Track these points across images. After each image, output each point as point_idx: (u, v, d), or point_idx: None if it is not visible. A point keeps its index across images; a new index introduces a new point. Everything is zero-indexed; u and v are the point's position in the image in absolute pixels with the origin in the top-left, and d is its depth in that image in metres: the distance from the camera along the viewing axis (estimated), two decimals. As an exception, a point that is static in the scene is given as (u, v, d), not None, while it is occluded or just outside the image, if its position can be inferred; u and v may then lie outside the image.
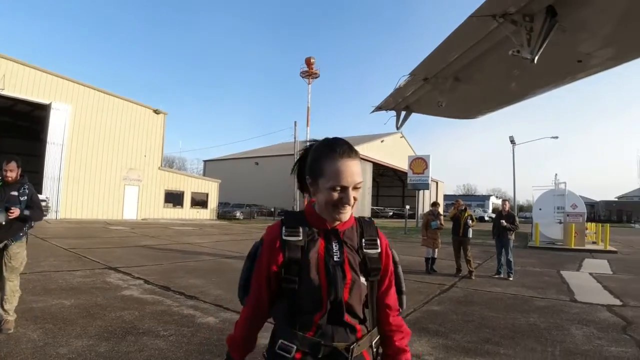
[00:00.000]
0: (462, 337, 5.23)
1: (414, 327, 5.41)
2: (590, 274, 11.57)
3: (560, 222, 21.66)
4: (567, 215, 21.27)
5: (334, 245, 1.50)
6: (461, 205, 11.18)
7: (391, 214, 61.64)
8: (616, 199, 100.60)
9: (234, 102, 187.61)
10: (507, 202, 11.22)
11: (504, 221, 10.47)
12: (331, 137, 1.56)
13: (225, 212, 40.17)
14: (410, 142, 68.20)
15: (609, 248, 19.66)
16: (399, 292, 1.69)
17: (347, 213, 1.49)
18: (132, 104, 32.52)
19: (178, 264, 10.19)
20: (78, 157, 28.27)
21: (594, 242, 22.50)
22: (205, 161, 66.89)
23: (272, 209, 45.04)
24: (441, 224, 11.10)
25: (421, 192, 46.93)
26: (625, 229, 58.89)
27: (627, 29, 4.02)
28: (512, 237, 10.55)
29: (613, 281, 10.26)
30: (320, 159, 1.47)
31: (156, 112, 33.88)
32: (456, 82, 5.64)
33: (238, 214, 39.92)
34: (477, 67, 5.22)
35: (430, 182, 44.38)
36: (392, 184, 78.28)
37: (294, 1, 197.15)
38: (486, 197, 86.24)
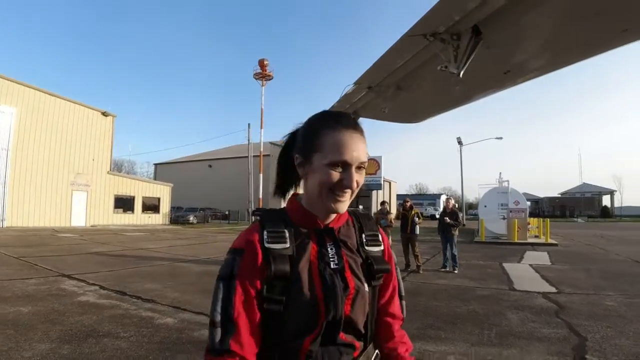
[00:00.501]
0: (408, 325, 5.72)
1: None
2: (530, 265, 12.52)
3: (504, 218, 23.06)
4: (510, 212, 22.67)
5: (329, 249, 1.22)
6: (407, 204, 11.86)
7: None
8: (559, 195, 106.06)
9: (185, 105, 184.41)
10: (450, 200, 12.03)
11: (447, 218, 11.25)
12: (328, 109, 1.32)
13: (178, 216, 39.68)
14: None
15: (550, 241, 21.27)
16: (400, 297, 1.42)
17: (346, 202, 1.19)
18: (80, 106, 31.72)
19: (132, 270, 10.29)
20: (24, 162, 27.34)
21: (536, 236, 24.11)
22: (156, 164, 65.51)
23: (227, 212, 44.80)
24: (390, 222, 11.72)
25: (374, 192, 47.92)
26: (568, 223, 62.31)
27: (547, 45, 4.65)
28: (456, 232, 11.36)
29: (551, 271, 11.23)
30: (318, 130, 1.19)
31: (104, 114, 33.24)
32: (398, 90, 6.18)
33: (191, 218, 39.52)
34: (415, 78, 5.79)
35: (382, 182, 45.38)
36: (347, 184, 79.62)
37: (248, 1, 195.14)
38: (437, 196, 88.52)
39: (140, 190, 36.38)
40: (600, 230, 37.39)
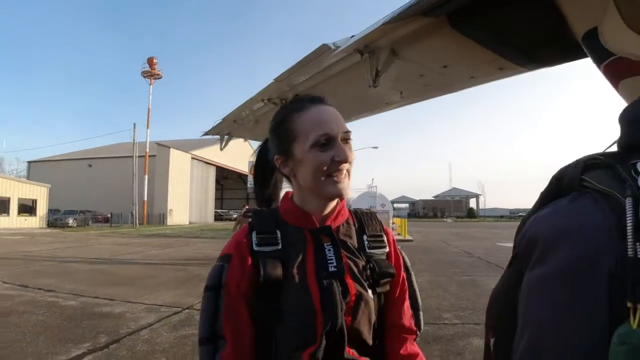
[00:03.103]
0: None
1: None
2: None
3: (371, 219, 26.68)
4: (376, 213, 26.27)
5: (327, 250, 1.09)
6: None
7: (235, 216, 61.76)
8: (433, 198, 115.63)
9: (63, 99, 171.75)
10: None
11: None
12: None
13: (56, 219, 38.19)
14: (255, 145, 70.16)
15: (407, 237, 25.40)
16: (415, 308, 1.27)
17: (346, 180, 1.07)
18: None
19: (24, 269, 11.21)
20: None
21: (399, 234, 27.44)
22: (29, 162, 60.55)
23: (109, 215, 43.54)
24: None
25: None
26: (438, 222, 69.25)
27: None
28: None
29: None
30: (287, 119, 1.10)
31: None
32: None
33: (71, 221, 38.20)
34: (319, 92, 7.51)
35: None
36: (236, 187, 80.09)
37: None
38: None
39: (15, 191, 35.02)
40: (460, 229, 43.40)
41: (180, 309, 6.89)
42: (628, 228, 0.53)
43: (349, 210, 1.22)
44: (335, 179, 1.05)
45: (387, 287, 1.16)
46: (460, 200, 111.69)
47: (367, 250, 1.15)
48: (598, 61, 3.67)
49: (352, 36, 4.63)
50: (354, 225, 1.19)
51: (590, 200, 0.61)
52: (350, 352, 1.03)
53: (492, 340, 0.81)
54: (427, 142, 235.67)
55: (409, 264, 1.29)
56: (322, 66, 5.30)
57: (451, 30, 4.00)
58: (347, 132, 1.07)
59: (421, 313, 1.30)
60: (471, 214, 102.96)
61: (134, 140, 43.28)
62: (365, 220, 1.20)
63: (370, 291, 1.10)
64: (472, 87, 5.86)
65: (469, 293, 8.37)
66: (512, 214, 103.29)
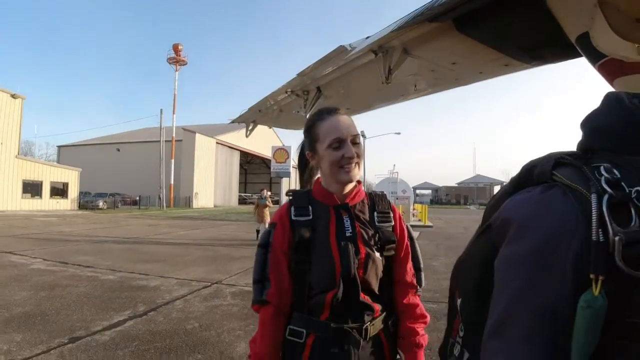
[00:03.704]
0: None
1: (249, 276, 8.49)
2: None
3: (392, 204, 27.02)
4: (397, 198, 26.55)
5: (345, 221, 1.48)
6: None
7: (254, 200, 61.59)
8: (456, 185, 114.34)
9: (92, 86, 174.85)
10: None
11: None
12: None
13: (86, 201, 39.31)
14: (278, 131, 71.03)
15: (427, 223, 25.72)
16: (417, 269, 1.63)
17: (354, 170, 1.46)
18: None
19: (62, 248, 11.98)
20: None
21: (419, 220, 27.75)
22: (59, 147, 62.43)
23: (137, 198, 44.43)
24: (268, 204, 14.57)
25: (285, 179, 49.62)
26: (460, 209, 68.83)
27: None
28: None
29: None
30: (313, 126, 1.50)
31: (14, 96, 32.81)
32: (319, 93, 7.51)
33: (101, 203, 39.23)
34: (337, 86, 7.16)
35: (291, 170, 47.50)
36: (259, 171, 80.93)
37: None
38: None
39: (48, 174, 36.12)
40: (481, 216, 43.04)
41: (209, 284, 7.48)
42: (593, 217, 0.63)
43: (366, 193, 1.59)
44: (347, 169, 1.43)
45: (392, 252, 1.53)
46: (484, 187, 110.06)
47: (377, 223, 1.52)
48: (592, 61, 4.00)
49: (367, 37, 5.03)
50: (368, 204, 1.56)
51: (560, 192, 0.70)
52: (364, 297, 1.42)
53: (459, 301, 0.94)
54: (452, 128, 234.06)
55: (413, 234, 1.66)
56: (340, 63, 5.66)
57: (457, 33, 4.37)
58: (356, 135, 1.47)
59: (422, 274, 1.65)
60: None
61: (160, 125, 44.01)
62: (376, 200, 1.58)
63: (377, 253, 1.47)
64: (481, 81, 6.13)
65: (481, 276, 8.74)
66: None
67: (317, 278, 1.42)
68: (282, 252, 1.45)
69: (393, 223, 1.57)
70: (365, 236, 1.47)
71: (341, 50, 5.18)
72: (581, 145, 0.81)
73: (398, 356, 1.56)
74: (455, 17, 4.12)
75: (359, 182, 1.55)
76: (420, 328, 1.55)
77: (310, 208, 1.50)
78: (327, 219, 1.48)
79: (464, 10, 3.94)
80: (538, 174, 0.78)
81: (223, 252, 11.77)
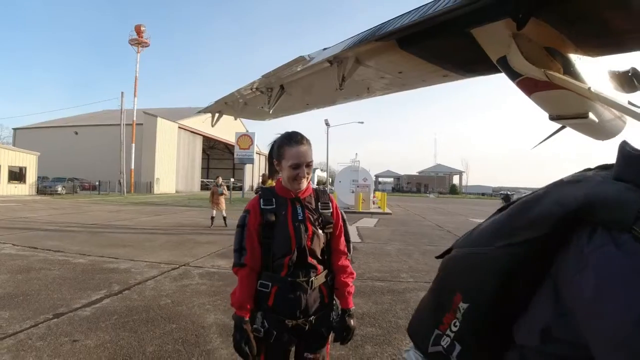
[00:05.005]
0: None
1: (222, 255, 9.12)
2: (357, 227, 16.62)
3: (353, 192, 27.71)
4: (357, 187, 27.51)
5: (298, 208, 2.09)
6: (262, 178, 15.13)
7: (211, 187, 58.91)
8: (417, 173, 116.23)
9: (49, 67, 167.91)
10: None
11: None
12: (290, 130, 2.17)
13: (45, 187, 38.36)
14: (244, 122, 69.82)
15: (386, 211, 26.81)
16: (347, 241, 2.28)
17: (304, 184, 2.09)
18: None
19: (29, 233, 12.09)
20: None
21: (379, 207, 28.78)
22: (15, 129, 60.44)
23: (97, 183, 43.65)
24: (224, 192, 15.23)
25: (248, 165, 48.89)
26: (421, 197, 70.40)
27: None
28: None
29: (369, 230, 15.65)
30: (282, 147, 2.08)
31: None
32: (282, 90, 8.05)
33: (60, 188, 38.45)
34: (300, 85, 7.71)
35: (255, 156, 47.21)
36: (222, 157, 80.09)
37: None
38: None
39: (5, 158, 35.01)
40: (440, 204, 44.91)
41: (178, 266, 8.04)
42: None
43: (312, 189, 2.20)
44: (296, 182, 2.07)
45: (331, 229, 2.16)
46: (443, 176, 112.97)
47: (320, 210, 2.14)
48: (512, 79, 4.77)
49: (325, 49, 5.69)
50: (314, 197, 2.18)
51: None
52: (310, 260, 2.05)
53: (461, 305, 0.96)
54: (415, 119, 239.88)
55: (345, 217, 2.29)
56: (300, 68, 6.28)
57: (400, 50, 5.08)
58: (310, 161, 2.07)
59: (351, 244, 2.31)
60: (453, 190, 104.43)
61: (121, 108, 43.02)
62: (320, 194, 2.21)
63: (320, 231, 2.10)
64: (425, 87, 6.87)
65: (429, 260, 9.60)
66: (494, 192, 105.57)
67: (279, 247, 2.03)
68: (255, 230, 2.05)
69: (331, 210, 2.19)
70: (312, 219, 2.09)
71: (301, 59, 5.82)
72: (617, 171, 0.82)
73: (334, 301, 2.21)
74: (397, 38, 4.84)
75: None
76: (350, 281, 2.19)
77: (273, 200, 2.09)
78: (286, 207, 2.08)
79: (403, 34, 4.66)
80: (618, 217, 0.74)
81: (188, 237, 12.27)
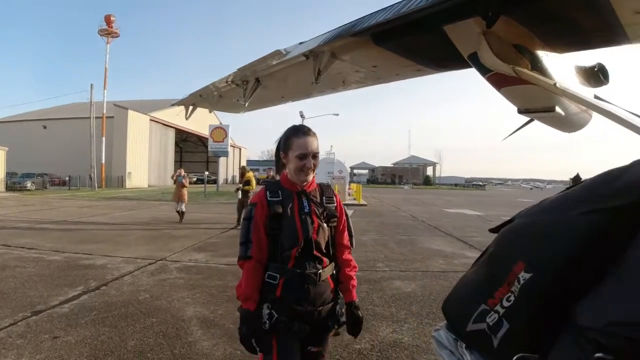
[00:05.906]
0: (226, 251, 8.97)
1: (198, 249, 9.14)
2: (333, 219, 16.73)
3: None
4: (332, 178, 27.74)
5: (304, 201, 2.14)
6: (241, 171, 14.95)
7: (195, 179, 56.45)
8: (392, 165, 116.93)
9: (15, 59, 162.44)
10: (270, 170, 15.46)
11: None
12: (297, 124, 2.28)
13: (14, 183, 37.09)
14: (219, 114, 68.63)
15: (361, 202, 27.16)
16: (350, 236, 2.32)
17: (310, 175, 2.14)
18: None
19: (0, 231, 11.80)
20: None
21: (354, 199, 28.94)
22: None
23: (67, 178, 42.43)
24: (185, 184, 15.04)
25: (222, 158, 48.41)
26: (395, 189, 71.00)
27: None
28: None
29: None
30: (290, 138, 2.14)
31: None
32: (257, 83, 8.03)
33: (29, 184, 37.15)
34: (275, 78, 7.72)
35: (229, 149, 46.53)
36: (196, 149, 77.91)
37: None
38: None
39: (-29, 154, 33.40)
40: (414, 195, 45.50)
41: (154, 260, 8.04)
42: None
43: (317, 184, 2.25)
44: (303, 174, 2.11)
45: (335, 224, 2.21)
46: (417, 167, 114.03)
47: (325, 204, 2.19)
48: (482, 74, 4.94)
49: (301, 43, 5.77)
50: (319, 191, 2.23)
51: None
52: (316, 253, 2.09)
53: (522, 274, 0.92)
54: (389, 111, 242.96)
55: (348, 212, 2.36)
56: (276, 62, 6.34)
57: (375, 46, 5.20)
58: (317, 152, 2.13)
59: (354, 239, 2.36)
60: (427, 181, 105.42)
61: (90, 101, 42.01)
62: (324, 188, 2.27)
63: (325, 224, 2.15)
64: (400, 80, 7.02)
65: (403, 249, 9.87)
66: (467, 182, 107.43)
67: (286, 239, 2.07)
68: (262, 222, 2.07)
69: (335, 204, 2.25)
70: (317, 212, 2.14)
71: (277, 53, 5.88)
72: None
73: (339, 295, 2.25)
74: (372, 34, 4.95)
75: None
76: (354, 274, 2.27)
77: (280, 192, 2.13)
78: (292, 200, 2.11)
79: (377, 30, 4.77)
80: None
81: (164, 232, 12.25)
